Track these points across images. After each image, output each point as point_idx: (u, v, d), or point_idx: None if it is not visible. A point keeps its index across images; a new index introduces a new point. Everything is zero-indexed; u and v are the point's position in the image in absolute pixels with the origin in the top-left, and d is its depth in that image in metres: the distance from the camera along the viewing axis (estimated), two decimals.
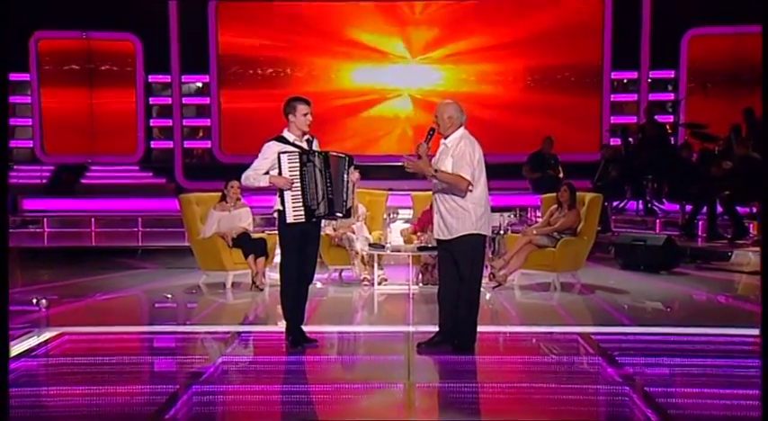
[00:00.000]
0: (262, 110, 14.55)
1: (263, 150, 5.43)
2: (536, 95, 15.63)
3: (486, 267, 8.10)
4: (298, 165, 5.34)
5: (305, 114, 5.42)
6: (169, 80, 15.99)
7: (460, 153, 5.24)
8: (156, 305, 7.54)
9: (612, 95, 15.65)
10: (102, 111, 15.89)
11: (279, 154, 5.33)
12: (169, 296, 7.83)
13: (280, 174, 5.34)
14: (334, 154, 5.48)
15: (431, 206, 5.60)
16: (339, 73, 15.83)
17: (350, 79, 15.85)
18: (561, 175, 12.31)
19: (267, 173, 5.39)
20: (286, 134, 5.47)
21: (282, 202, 5.38)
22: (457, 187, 5.25)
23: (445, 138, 5.36)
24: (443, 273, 5.48)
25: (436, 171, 5.24)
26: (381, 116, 15.88)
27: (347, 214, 5.56)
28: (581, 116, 15.47)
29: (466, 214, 5.30)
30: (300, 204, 5.35)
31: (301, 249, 5.47)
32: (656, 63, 15.16)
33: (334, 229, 8.43)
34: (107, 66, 15.91)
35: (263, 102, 15.00)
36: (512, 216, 9.43)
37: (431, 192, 5.51)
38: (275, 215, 5.51)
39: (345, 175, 5.47)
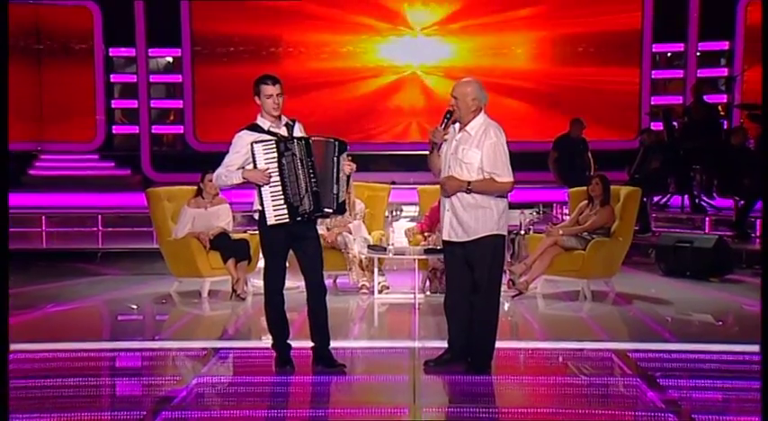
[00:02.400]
0: (244, 89, 14.56)
1: (234, 142, 5.42)
2: (562, 71, 15.67)
3: (505, 273, 8.14)
4: (275, 155, 5.31)
5: (269, 96, 5.39)
6: (134, 54, 16.03)
7: (495, 148, 5.26)
8: (120, 318, 7.57)
9: (654, 71, 15.69)
10: (54, 91, 15.93)
11: (252, 144, 5.31)
12: (134, 307, 7.85)
13: (255, 167, 5.32)
14: (319, 138, 5.43)
15: (440, 201, 5.63)
16: (333, 49, 15.86)
17: (346, 56, 15.89)
18: (592, 166, 12.32)
19: (242, 168, 5.37)
20: (260, 121, 5.46)
21: (261, 201, 5.35)
22: (501, 193, 5.32)
23: (464, 124, 5.37)
24: (453, 281, 5.50)
25: (470, 183, 5.26)
26: (383, 98, 15.92)
27: (340, 209, 5.50)
28: (616, 96, 15.51)
29: (487, 212, 5.32)
30: (282, 202, 5.32)
31: (289, 254, 5.48)
32: (706, 33, 15.17)
33: (328, 229, 8.46)
34: (59, 39, 15.96)
35: (247, 80, 15.01)
36: (534, 213, 9.45)
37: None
38: (256, 216, 5.50)
39: (335, 162, 5.40)
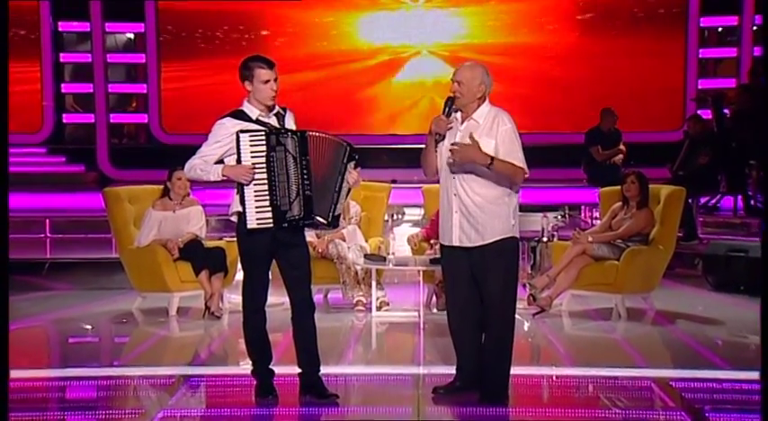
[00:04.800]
0: (220, 71, 14.62)
1: (215, 130, 5.40)
2: (592, 49, 15.69)
3: (525, 287, 8.18)
4: (264, 148, 5.30)
5: (266, 81, 5.37)
6: (87, 29, 16.06)
7: (511, 135, 5.32)
8: (71, 340, 7.60)
9: (701, 50, 15.73)
10: None
11: (237, 133, 5.30)
12: (89, 328, 7.87)
13: (239, 161, 5.32)
14: (323, 135, 5.43)
15: (441, 199, 5.64)
16: (324, 29, 15.90)
17: (340, 37, 15.93)
18: (623, 160, 12.33)
19: (221, 162, 5.38)
20: (246, 108, 5.44)
21: (242, 201, 5.34)
22: (513, 180, 5.35)
23: (469, 113, 5.42)
24: (459, 294, 5.53)
25: (492, 159, 5.27)
26: (381, 84, 15.96)
27: (334, 223, 5.51)
28: (657, 79, 15.54)
29: (502, 209, 5.37)
30: (267, 204, 5.32)
31: (272, 264, 5.52)
32: (764, 4, 15.18)
33: (318, 236, 8.50)
34: None
35: (223, 60, 15.04)
36: (558, 217, 9.51)
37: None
38: (233, 219, 5.50)
39: (341, 170, 5.41)
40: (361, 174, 5.61)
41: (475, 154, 5.25)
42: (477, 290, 5.44)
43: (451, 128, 5.46)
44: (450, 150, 5.30)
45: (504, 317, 5.44)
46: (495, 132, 5.34)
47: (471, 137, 5.27)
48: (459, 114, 5.48)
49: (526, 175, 5.37)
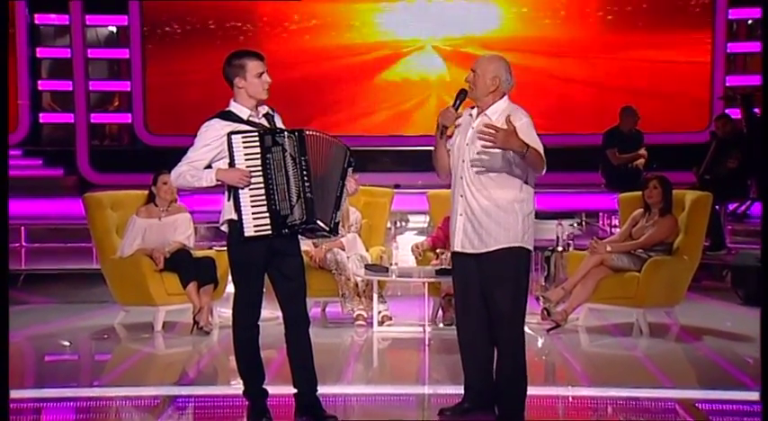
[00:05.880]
0: (209, 67, 14.64)
1: (202, 133, 5.41)
2: (611, 43, 15.69)
3: (538, 300, 8.17)
4: (258, 150, 5.32)
5: (260, 74, 5.41)
6: (67, 22, 16.09)
7: (529, 128, 5.34)
8: (48, 358, 7.59)
9: (730, 44, 15.74)
10: None
11: (229, 135, 5.32)
12: (67, 344, 7.87)
13: (232, 165, 5.33)
14: (322, 135, 5.46)
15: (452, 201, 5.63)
16: (321, 23, 15.92)
17: (336, 29, 15.95)
18: (645, 164, 12.32)
19: (209, 167, 5.38)
20: (235, 107, 5.45)
21: (237, 208, 5.34)
22: (537, 169, 5.36)
23: (481, 108, 5.43)
24: (467, 305, 5.54)
25: (528, 147, 5.24)
26: (384, 81, 15.98)
27: (335, 230, 5.54)
28: (681, 75, 15.55)
29: (510, 217, 5.37)
30: (265, 209, 5.33)
31: (263, 276, 5.51)
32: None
33: (315, 245, 8.50)
34: None
35: (212, 56, 15.08)
36: (574, 225, 9.50)
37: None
38: (224, 228, 5.50)
39: (341, 174, 5.45)
40: (360, 179, 5.64)
41: (513, 139, 5.22)
42: (484, 300, 5.44)
43: (459, 124, 5.48)
44: (482, 132, 5.23)
45: (513, 333, 5.44)
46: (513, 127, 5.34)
47: (508, 120, 5.24)
48: (474, 110, 5.48)
49: (545, 167, 5.37)
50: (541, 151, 5.33)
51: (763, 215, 8.96)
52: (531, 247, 5.50)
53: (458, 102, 5.47)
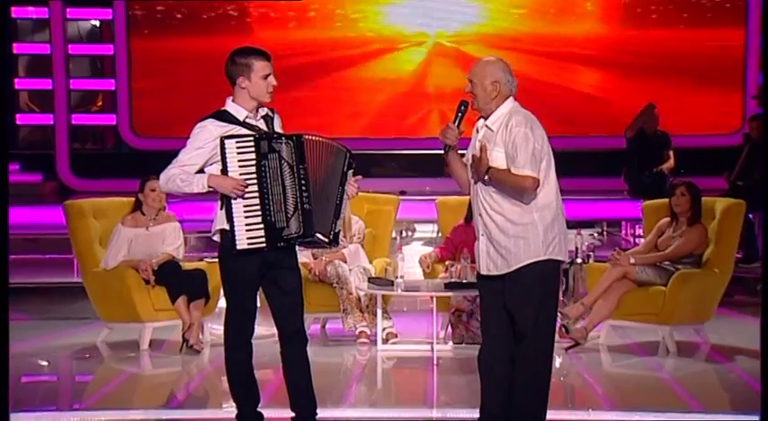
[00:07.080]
0: (200, 64, 14.67)
1: (195, 134, 5.40)
2: (631, 35, 15.68)
3: (557, 316, 8.19)
4: (253, 156, 5.33)
5: (266, 76, 5.42)
6: (46, 16, 16.13)
7: (518, 139, 5.30)
8: (24, 379, 7.58)
9: (763, 40, 15.72)
10: None
11: (222, 139, 5.32)
12: (45, 364, 7.89)
13: (225, 172, 5.35)
14: (319, 139, 5.46)
15: (466, 219, 5.71)
16: (319, 13, 15.95)
17: (336, 22, 15.98)
18: (672, 169, 12.34)
19: (202, 171, 5.40)
20: (232, 107, 5.45)
21: (229, 218, 5.34)
22: (519, 191, 5.32)
23: (486, 117, 5.45)
24: (491, 328, 5.55)
25: (489, 169, 5.29)
26: (387, 79, 16.00)
27: (335, 241, 5.56)
28: (711, 70, 15.54)
29: (529, 230, 5.37)
30: (259, 220, 5.34)
31: (257, 290, 5.53)
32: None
33: (314, 256, 8.54)
34: None
35: (203, 52, 15.09)
36: (595, 235, 9.53)
37: (466, 197, 5.57)
38: (216, 238, 5.51)
39: (341, 180, 5.46)
40: (363, 185, 5.66)
41: (479, 168, 5.29)
42: (509, 320, 5.44)
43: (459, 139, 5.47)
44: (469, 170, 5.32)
45: (539, 351, 5.42)
46: (508, 139, 5.34)
47: (482, 147, 5.28)
48: (481, 121, 5.49)
49: (532, 181, 5.26)
50: (519, 166, 5.28)
51: (764, 221, 8.96)
52: (560, 257, 5.45)
53: (459, 115, 5.41)
